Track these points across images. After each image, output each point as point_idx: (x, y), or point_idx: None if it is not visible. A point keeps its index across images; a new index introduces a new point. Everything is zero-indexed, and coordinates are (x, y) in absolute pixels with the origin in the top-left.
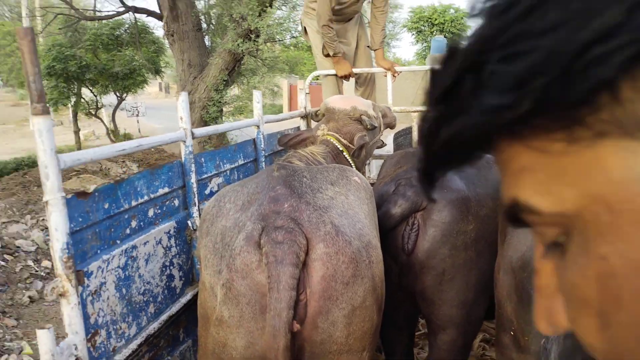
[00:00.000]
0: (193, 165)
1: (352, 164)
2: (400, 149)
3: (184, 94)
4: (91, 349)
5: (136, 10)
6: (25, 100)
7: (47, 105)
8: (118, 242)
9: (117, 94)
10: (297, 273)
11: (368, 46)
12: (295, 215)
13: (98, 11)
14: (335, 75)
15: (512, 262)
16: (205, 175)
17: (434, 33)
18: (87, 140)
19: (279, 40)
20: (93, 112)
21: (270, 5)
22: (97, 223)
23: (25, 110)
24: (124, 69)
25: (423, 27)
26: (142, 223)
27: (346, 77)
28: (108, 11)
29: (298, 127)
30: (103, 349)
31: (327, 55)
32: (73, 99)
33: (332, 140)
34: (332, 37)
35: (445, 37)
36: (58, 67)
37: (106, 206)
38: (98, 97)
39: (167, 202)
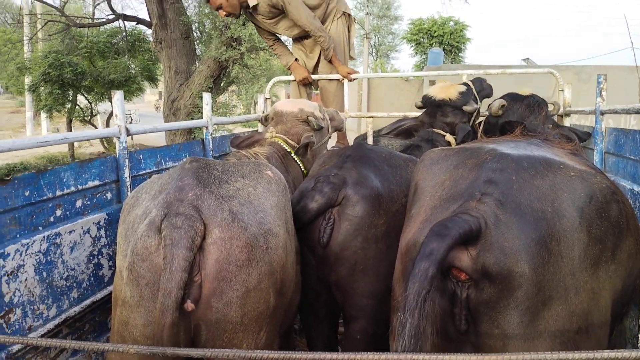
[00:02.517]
0: (127, 160)
1: (301, 164)
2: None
3: (119, 93)
4: (4, 325)
5: (125, 17)
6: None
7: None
8: (40, 228)
9: (112, 101)
10: (190, 256)
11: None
12: (197, 203)
13: (89, 18)
14: (296, 81)
15: (401, 247)
16: (143, 171)
17: (433, 45)
18: (81, 147)
19: (261, 49)
20: (88, 119)
21: None
22: (16, 209)
23: (23, 117)
24: (120, 76)
25: (422, 39)
26: (68, 212)
27: (304, 82)
28: (98, 19)
29: (256, 131)
30: (17, 326)
31: (288, 67)
32: (68, 106)
33: (279, 142)
34: (277, 53)
35: (444, 49)
36: (53, 73)
37: (27, 193)
38: (93, 104)
39: (98, 195)
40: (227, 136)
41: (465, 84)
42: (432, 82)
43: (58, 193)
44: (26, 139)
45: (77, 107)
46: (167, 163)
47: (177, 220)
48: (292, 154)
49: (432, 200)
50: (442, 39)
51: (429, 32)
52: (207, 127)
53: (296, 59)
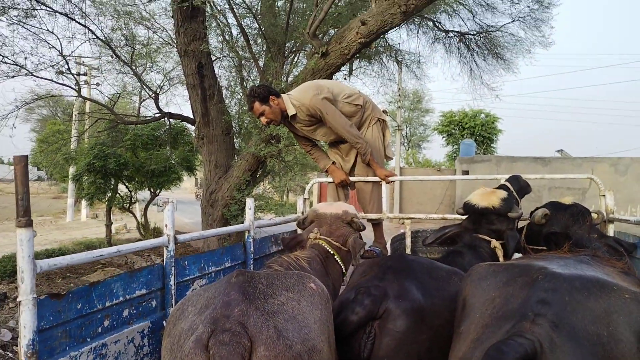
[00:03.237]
0: (173, 268)
1: (343, 266)
2: (396, 253)
3: (170, 205)
4: None
5: (171, 116)
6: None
7: (31, 219)
8: (88, 339)
9: (151, 189)
10: None
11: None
12: (243, 319)
13: (135, 116)
14: (333, 182)
15: None
16: (188, 278)
17: (465, 136)
18: (118, 234)
19: (296, 145)
20: (127, 207)
21: None
22: (68, 322)
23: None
24: (160, 166)
25: (453, 130)
26: (115, 322)
27: (342, 184)
28: (145, 116)
29: (295, 232)
30: None
31: (325, 170)
32: (109, 194)
33: (322, 243)
34: (315, 158)
35: (475, 140)
36: (98, 164)
37: (79, 306)
38: (133, 193)
39: (144, 303)
40: (267, 238)
41: (503, 186)
42: (465, 172)
43: (107, 304)
44: (82, 254)
45: (117, 195)
46: (210, 268)
47: (224, 336)
48: (335, 256)
49: (482, 318)
50: (473, 130)
51: (460, 123)
52: (249, 231)
53: (333, 162)
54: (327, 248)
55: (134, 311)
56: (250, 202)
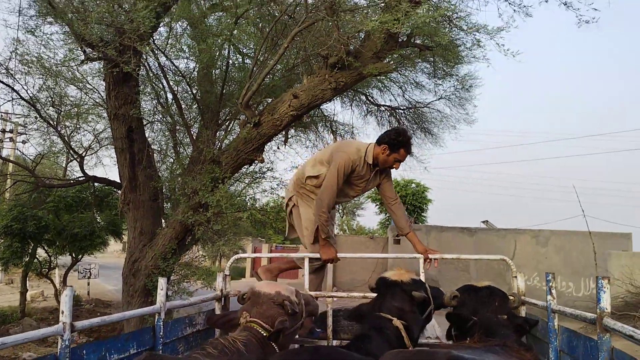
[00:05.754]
0: (68, 359)
1: (277, 349)
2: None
3: (69, 289)
4: None
5: (96, 179)
6: None
7: None
8: None
9: (73, 254)
10: None
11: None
12: None
13: (58, 179)
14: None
15: None
16: None
17: None
18: (34, 302)
19: (225, 213)
20: (45, 273)
21: (223, 182)
22: None
23: None
24: (84, 230)
25: None
26: None
27: (330, 261)
28: (69, 179)
29: (213, 310)
30: None
31: (315, 241)
32: (26, 259)
33: (254, 326)
34: (327, 222)
35: (407, 209)
36: (15, 227)
37: None
38: (53, 257)
39: None
40: (180, 319)
41: (422, 282)
42: (397, 240)
43: None
44: None
45: (35, 259)
46: (112, 356)
47: None
48: (268, 338)
49: None
50: (405, 200)
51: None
52: (159, 313)
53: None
54: (260, 330)
55: None
56: (162, 282)
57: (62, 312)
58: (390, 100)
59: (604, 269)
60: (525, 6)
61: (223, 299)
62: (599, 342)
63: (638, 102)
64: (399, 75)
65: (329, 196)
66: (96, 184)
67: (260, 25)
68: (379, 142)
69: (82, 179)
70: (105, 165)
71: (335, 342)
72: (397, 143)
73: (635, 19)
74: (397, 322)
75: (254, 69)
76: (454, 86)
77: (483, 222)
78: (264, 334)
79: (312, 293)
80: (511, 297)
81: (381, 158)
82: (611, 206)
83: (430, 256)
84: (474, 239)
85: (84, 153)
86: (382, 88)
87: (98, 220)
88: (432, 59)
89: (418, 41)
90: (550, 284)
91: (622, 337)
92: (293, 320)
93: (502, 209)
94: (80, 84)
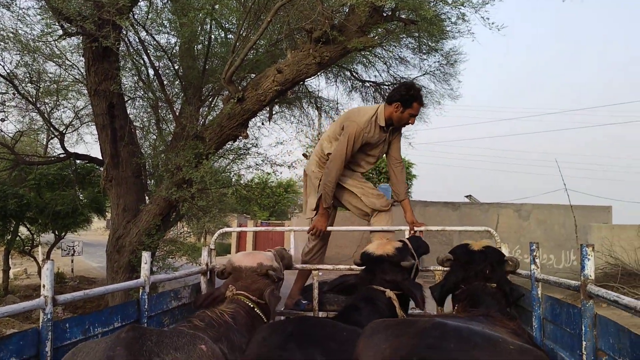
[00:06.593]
0: (51, 332)
1: (265, 319)
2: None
3: (49, 263)
4: None
5: (77, 156)
6: None
7: None
8: None
9: (56, 232)
10: None
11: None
12: None
13: (38, 156)
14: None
15: None
16: (68, 342)
17: (382, 180)
18: (17, 279)
19: (210, 189)
20: (28, 250)
21: (207, 158)
22: None
23: None
24: (66, 207)
25: (371, 174)
26: None
27: (317, 232)
28: (50, 156)
29: (198, 284)
30: None
31: (316, 209)
32: (8, 237)
33: (241, 298)
34: (332, 192)
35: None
36: None
37: None
38: (35, 235)
39: None
40: (165, 293)
41: (402, 241)
42: None
43: None
44: None
45: (17, 237)
46: (96, 329)
47: None
48: (256, 309)
49: None
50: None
51: (377, 168)
52: (143, 287)
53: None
54: (248, 302)
55: None
56: (146, 256)
57: (44, 286)
58: (375, 76)
59: (585, 242)
60: None
61: (209, 272)
62: (583, 309)
63: (615, 78)
64: (383, 50)
65: (337, 166)
66: (78, 161)
67: None
68: (390, 100)
69: (63, 156)
70: (87, 143)
71: (321, 314)
72: (409, 97)
73: None
74: (390, 292)
75: (237, 44)
76: (438, 61)
77: (466, 196)
78: (252, 306)
79: (298, 266)
80: (510, 263)
81: (395, 116)
82: (590, 180)
83: (415, 228)
84: (458, 213)
85: (65, 130)
86: (367, 64)
87: (81, 197)
88: (416, 33)
89: (403, 15)
90: (535, 253)
91: (607, 303)
92: (279, 285)
93: (487, 182)
94: (59, 60)
